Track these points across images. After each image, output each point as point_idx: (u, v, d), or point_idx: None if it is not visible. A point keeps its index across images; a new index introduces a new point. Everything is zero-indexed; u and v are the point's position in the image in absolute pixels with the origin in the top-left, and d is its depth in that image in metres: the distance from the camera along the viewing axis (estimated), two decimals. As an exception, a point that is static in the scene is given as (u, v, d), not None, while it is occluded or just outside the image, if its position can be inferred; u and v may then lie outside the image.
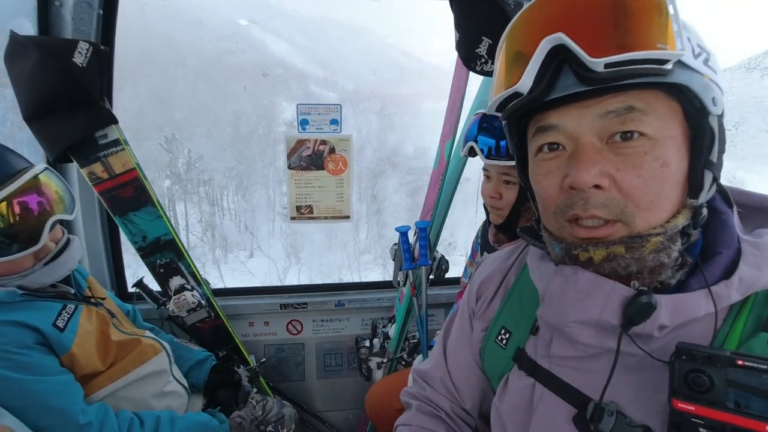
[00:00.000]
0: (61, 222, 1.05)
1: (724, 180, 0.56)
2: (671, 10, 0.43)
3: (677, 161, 0.48)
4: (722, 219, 0.53)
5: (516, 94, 0.50)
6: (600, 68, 0.43)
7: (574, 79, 0.46)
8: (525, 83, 0.48)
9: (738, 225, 0.53)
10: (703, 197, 0.50)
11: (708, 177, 0.49)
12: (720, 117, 0.49)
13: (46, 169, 1.01)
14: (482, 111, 1.03)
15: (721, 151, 0.50)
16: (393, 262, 1.60)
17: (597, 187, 0.48)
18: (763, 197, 0.58)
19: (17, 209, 0.92)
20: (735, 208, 0.54)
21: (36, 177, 0.96)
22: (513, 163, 0.95)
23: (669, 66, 0.43)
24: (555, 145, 0.52)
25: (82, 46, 1.22)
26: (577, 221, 0.50)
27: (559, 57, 0.46)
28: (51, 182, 1.00)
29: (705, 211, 0.50)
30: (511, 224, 1.03)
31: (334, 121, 1.68)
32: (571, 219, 0.51)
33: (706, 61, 0.47)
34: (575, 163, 0.48)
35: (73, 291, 1.10)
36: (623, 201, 0.47)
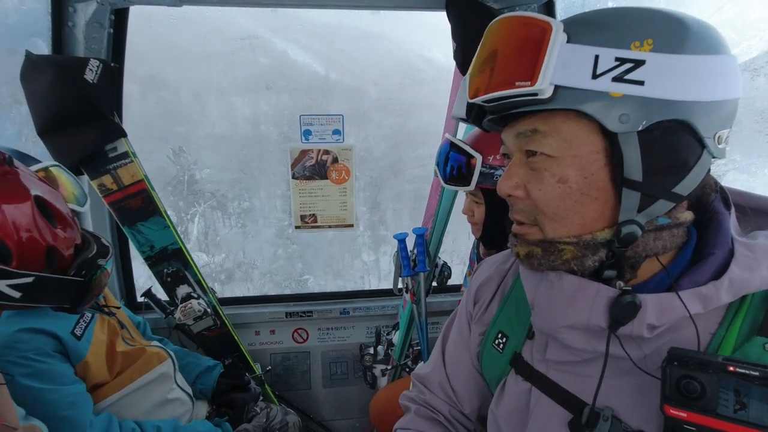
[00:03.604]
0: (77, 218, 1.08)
1: (718, 180, 0.56)
2: (551, 41, 0.45)
3: (581, 178, 0.49)
4: (718, 220, 0.52)
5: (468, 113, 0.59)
6: (482, 104, 0.53)
7: None
8: (458, 111, 0.59)
9: (735, 227, 0.53)
10: (625, 215, 0.48)
11: (629, 195, 0.48)
12: (651, 133, 0.46)
13: (57, 165, 1.04)
14: (449, 138, 1.06)
15: (656, 169, 0.47)
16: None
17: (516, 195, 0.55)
18: (761, 199, 0.57)
19: None
20: (732, 210, 0.54)
21: (46, 169, 0.99)
22: (468, 188, 1.00)
23: (545, 95, 0.46)
24: (507, 156, 0.58)
25: (93, 64, 1.26)
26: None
27: None
28: (61, 176, 1.04)
29: (632, 228, 0.48)
30: (493, 239, 1.05)
31: (336, 131, 1.71)
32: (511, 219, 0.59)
33: (623, 75, 0.44)
34: (504, 173, 0.56)
35: None
36: (535, 209, 0.54)
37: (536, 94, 0.46)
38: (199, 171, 2.28)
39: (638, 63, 0.44)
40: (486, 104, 0.52)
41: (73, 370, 1.00)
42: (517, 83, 0.47)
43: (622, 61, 0.45)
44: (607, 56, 0.45)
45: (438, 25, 1.42)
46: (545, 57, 0.46)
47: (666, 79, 0.45)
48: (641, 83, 0.44)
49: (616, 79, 0.45)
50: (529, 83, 0.46)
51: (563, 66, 0.46)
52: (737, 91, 0.49)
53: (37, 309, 0.98)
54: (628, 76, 0.45)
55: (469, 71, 0.55)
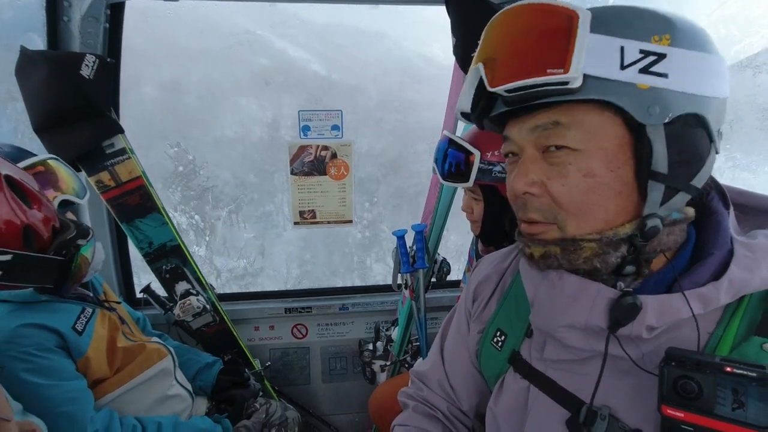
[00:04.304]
0: (75, 214, 1.09)
1: (719, 178, 0.56)
2: (580, 29, 0.44)
3: (607, 171, 0.48)
4: (716, 220, 0.52)
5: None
6: (503, 93, 0.49)
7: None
8: (463, 105, 0.54)
9: (734, 226, 0.53)
10: (650, 208, 0.48)
11: (654, 187, 0.48)
12: (676, 125, 0.47)
13: (55, 158, 1.04)
14: (447, 135, 1.06)
15: (684, 160, 0.48)
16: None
17: (531, 193, 0.52)
18: (761, 198, 0.57)
19: None
20: (731, 209, 0.54)
21: (44, 161, 0.99)
22: (467, 185, 0.99)
23: (575, 85, 0.45)
24: (514, 154, 0.56)
25: (89, 59, 1.25)
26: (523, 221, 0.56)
27: None
28: (60, 168, 1.04)
29: (655, 221, 0.48)
30: (492, 236, 1.04)
31: (335, 127, 1.70)
32: (521, 220, 0.56)
33: (648, 67, 0.45)
34: (516, 171, 0.53)
35: (91, 294, 1.13)
36: (555, 207, 0.51)
37: (566, 83, 0.45)
38: (212, 171, 2.28)
39: (660, 56, 0.45)
40: (507, 94, 0.49)
41: (74, 366, 1.00)
42: (548, 71, 0.45)
43: (646, 53, 0.45)
44: (632, 48, 0.45)
45: (437, 20, 1.41)
46: (576, 45, 0.44)
47: (686, 73, 0.46)
48: (665, 76, 0.45)
49: (642, 71, 0.45)
50: (562, 71, 0.44)
51: (592, 55, 0.45)
52: (728, 91, 0.51)
53: (39, 304, 0.98)
54: (653, 69, 0.45)
55: (483, 58, 0.51)
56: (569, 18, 0.45)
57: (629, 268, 0.51)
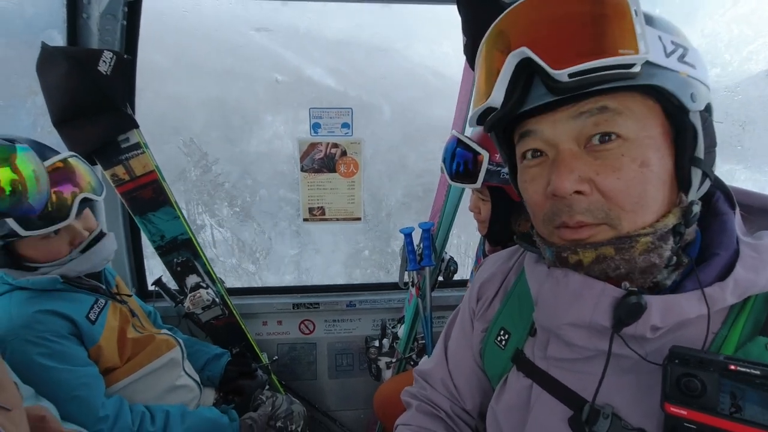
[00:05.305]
0: (93, 211, 1.12)
1: (731, 180, 0.56)
2: (634, 14, 0.44)
3: (658, 160, 0.48)
4: (722, 220, 0.52)
5: (492, 107, 0.52)
6: (564, 78, 0.44)
7: (545, 89, 0.47)
8: (496, 98, 0.50)
9: (740, 226, 0.52)
10: (693, 194, 0.50)
11: (696, 174, 0.49)
12: (704, 112, 0.49)
13: (74, 156, 1.08)
14: (456, 135, 1.05)
15: (709, 146, 0.50)
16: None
17: (579, 192, 0.48)
18: (767, 198, 0.56)
19: None
20: (737, 210, 0.53)
21: (65, 160, 1.03)
22: (475, 185, 0.99)
23: (636, 69, 0.44)
24: (538, 153, 0.53)
25: (107, 55, 1.28)
26: (565, 226, 0.51)
27: (527, 70, 0.47)
28: (79, 166, 1.08)
29: (697, 208, 0.49)
30: (498, 236, 1.04)
31: (345, 125, 1.71)
32: (558, 226, 0.52)
33: (681, 57, 0.47)
34: (555, 170, 0.49)
35: (104, 287, 1.16)
36: (607, 204, 0.48)
37: (631, 66, 0.43)
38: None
39: (685, 48, 0.47)
40: (569, 79, 0.44)
41: (86, 353, 1.04)
42: (620, 51, 0.43)
43: (676, 45, 0.47)
44: (666, 38, 0.46)
45: (449, 18, 1.41)
46: (639, 28, 0.43)
47: (702, 65, 0.49)
48: (694, 67, 0.47)
49: (679, 60, 0.46)
50: (632, 52, 0.43)
51: (644, 40, 0.44)
52: None
53: (55, 292, 1.02)
54: (685, 59, 0.47)
55: (525, 41, 0.46)
56: (625, 2, 0.44)
57: (686, 259, 0.50)
